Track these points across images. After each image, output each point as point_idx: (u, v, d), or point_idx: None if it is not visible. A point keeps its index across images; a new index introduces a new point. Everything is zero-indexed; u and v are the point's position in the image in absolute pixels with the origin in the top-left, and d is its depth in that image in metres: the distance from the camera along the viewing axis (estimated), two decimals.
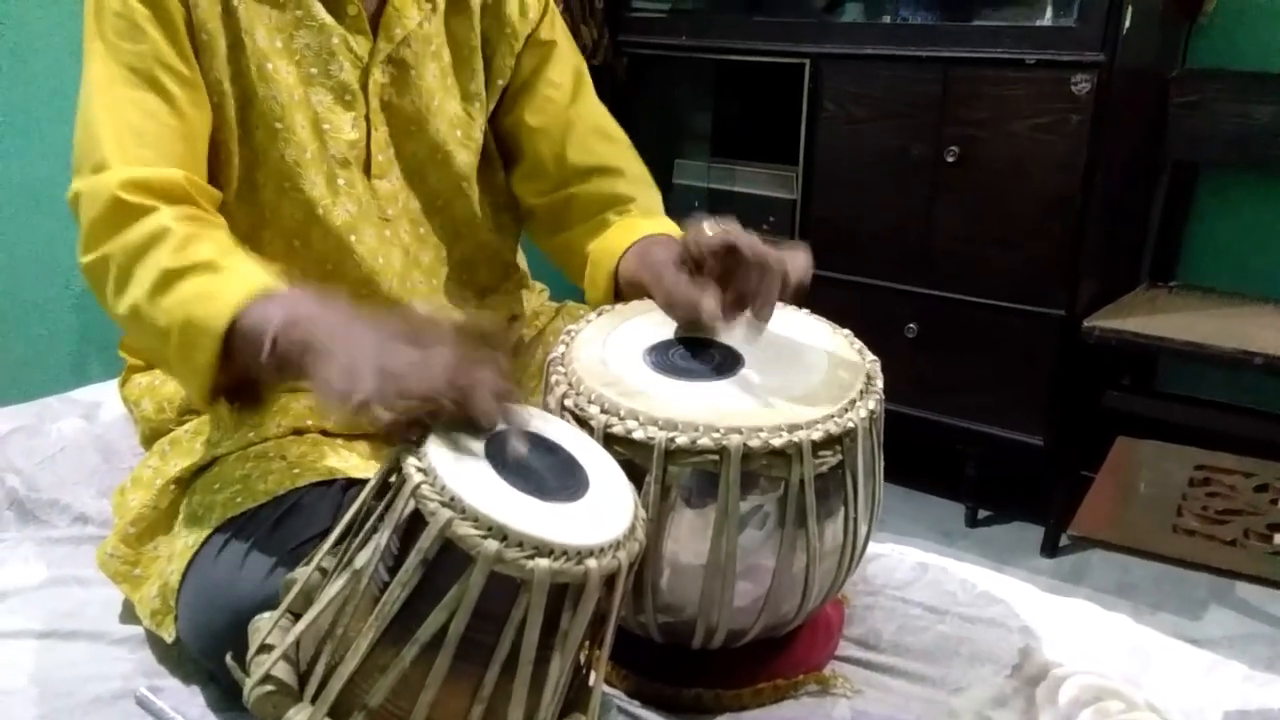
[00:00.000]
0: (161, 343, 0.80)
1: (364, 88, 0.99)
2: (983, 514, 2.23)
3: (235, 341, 0.76)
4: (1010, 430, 2.06)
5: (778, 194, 2.29)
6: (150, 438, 1.04)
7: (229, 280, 0.79)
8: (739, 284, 0.84)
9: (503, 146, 1.12)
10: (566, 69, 1.11)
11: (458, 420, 0.69)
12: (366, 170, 1.00)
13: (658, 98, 2.48)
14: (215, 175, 0.95)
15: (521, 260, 1.21)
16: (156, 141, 0.87)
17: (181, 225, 0.83)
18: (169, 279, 0.80)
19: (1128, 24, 1.83)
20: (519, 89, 1.10)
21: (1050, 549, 2.09)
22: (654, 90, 2.45)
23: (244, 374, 0.80)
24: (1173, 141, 2.15)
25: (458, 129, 1.06)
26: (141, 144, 0.87)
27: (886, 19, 2.19)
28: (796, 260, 0.83)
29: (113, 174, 0.84)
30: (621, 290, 1.01)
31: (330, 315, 0.75)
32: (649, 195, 1.10)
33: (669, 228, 1.04)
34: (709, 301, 0.82)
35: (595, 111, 1.13)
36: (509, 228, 1.15)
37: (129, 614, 0.97)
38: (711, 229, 0.85)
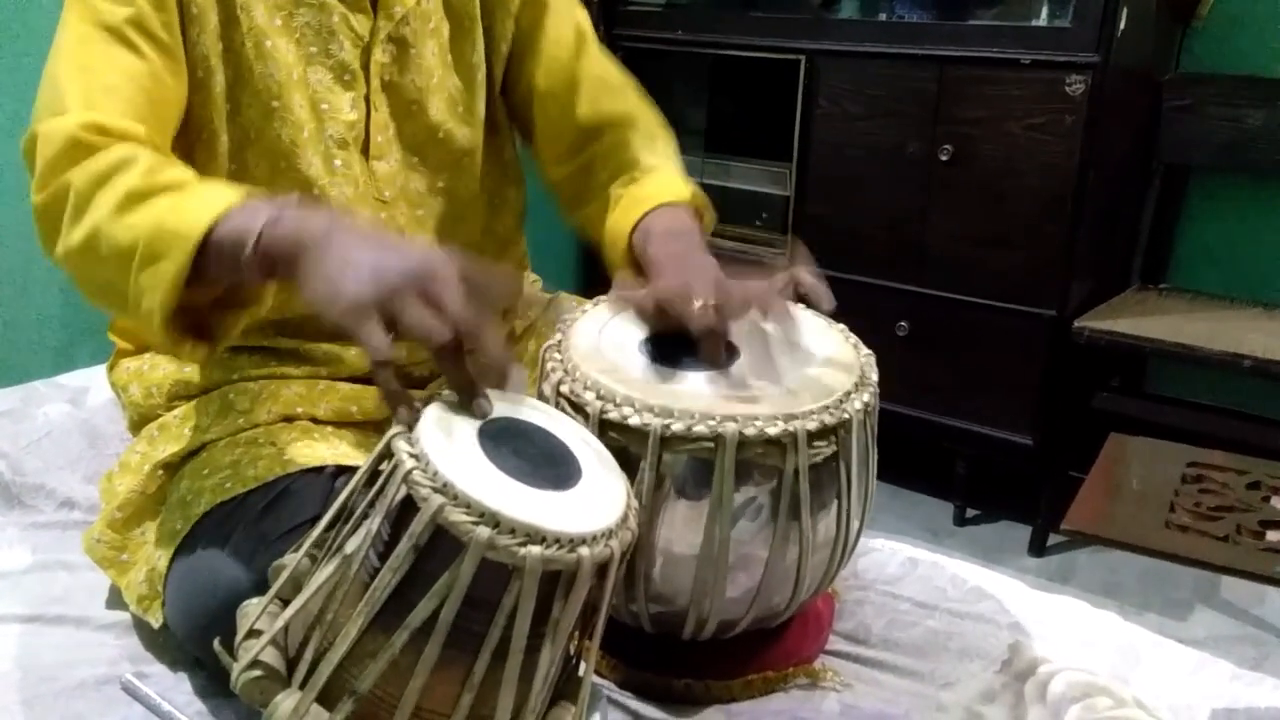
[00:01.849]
0: (122, 263, 0.75)
1: (365, 67, 0.98)
2: (971, 513, 2.23)
3: (210, 249, 0.72)
4: (1000, 430, 2.06)
5: (771, 190, 2.29)
6: (138, 423, 1.03)
7: (204, 192, 0.76)
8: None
9: (519, 118, 1.11)
10: (566, 24, 1.09)
11: (454, 396, 0.69)
12: (365, 151, 0.99)
13: (652, 92, 2.43)
14: (196, 154, 0.93)
15: (523, 241, 1.19)
16: (124, 98, 0.84)
17: (148, 154, 0.80)
18: (137, 196, 0.76)
19: (1122, 26, 1.83)
20: (522, 51, 1.08)
21: (1038, 549, 2.10)
22: (648, 84, 2.41)
23: (208, 296, 0.77)
24: (1165, 144, 2.15)
25: (458, 104, 1.04)
26: (109, 98, 0.83)
27: (883, 16, 2.19)
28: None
29: (73, 116, 0.81)
30: (642, 268, 0.99)
31: (322, 215, 0.73)
32: (658, 147, 1.08)
33: (672, 189, 1.01)
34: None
35: (600, 63, 1.11)
36: (512, 204, 1.14)
37: (115, 599, 0.97)
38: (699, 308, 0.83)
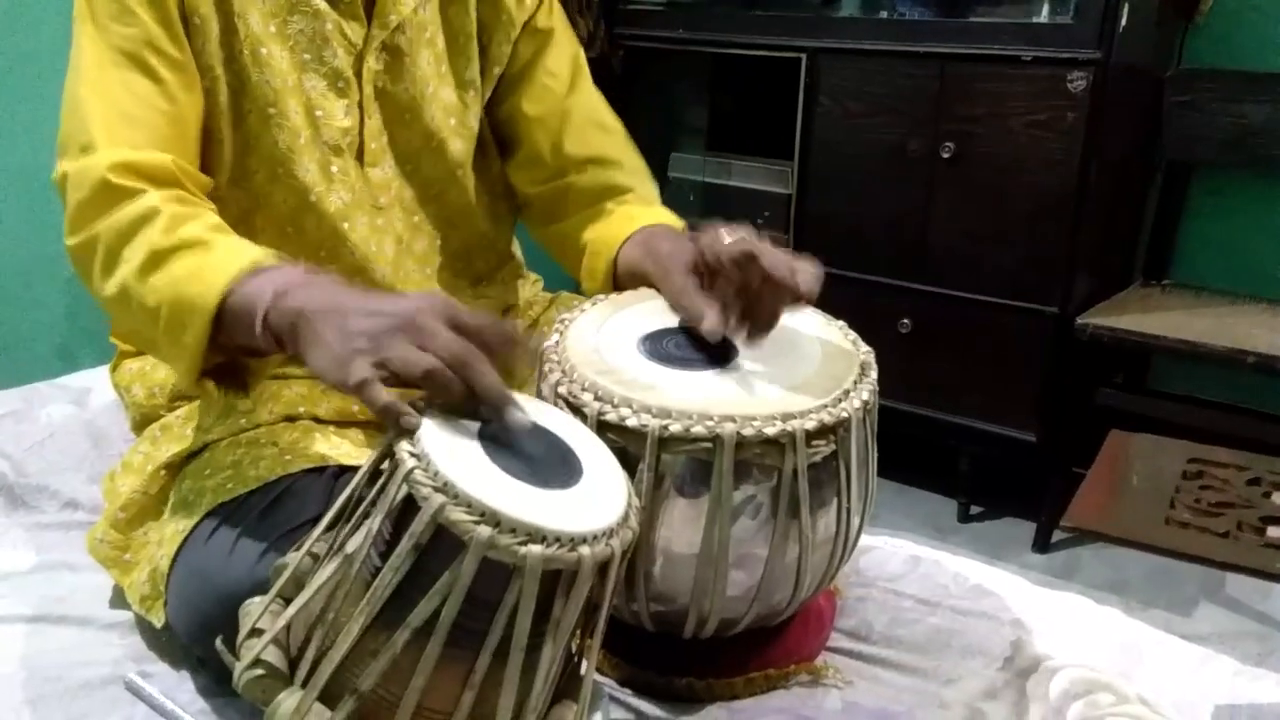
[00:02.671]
0: (150, 322, 0.79)
1: (358, 74, 0.98)
2: (975, 510, 2.23)
3: (225, 319, 0.76)
4: (1003, 426, 2.06)
5: (773, 189, 2.29)
6: (141, 424, 1.03)
7: (218, 257, 0.78)
8: (748, 297, 0.83)
9: (499, 135, 1.11)
10: (564, 58, 1.10)
11: (456, 402, 0.69)
12: (360, 158, 1.00)
13: (654, 91, 2.47)
14: (206, 161, 0.94)
15: (517, 249, 1.20)
16: (146, 125, 0.87)
17: (170, 206, 0.82)
18: (158, 258, 0.79)
19: (1124, 22, 1.83)
20: (516, 77, 1.09)
21: (1042, 545, 2.10)
22: (650, 83, 2.45)
23: (233, 353, 0.80)
24: (1167, 140, 2.15)
25: (452, 117, 1.05)
26: (130, 127, 0.86)
27: (884, 14, 2.19)
28: (807, 274, 0.82)
29: (101, 156, 0.83)
30: (620, 280, 1.00)
31: (320, 290, 0.74)
32: (646, 186, 1.09)
33: (667, 218, 1.03)
34: (713, 317, 0.82)
35: (592, 101, 1.12)
36: (505, 217, 1.15)
37: (119, 599, 0.97)
38: (730, 235, 0.85)
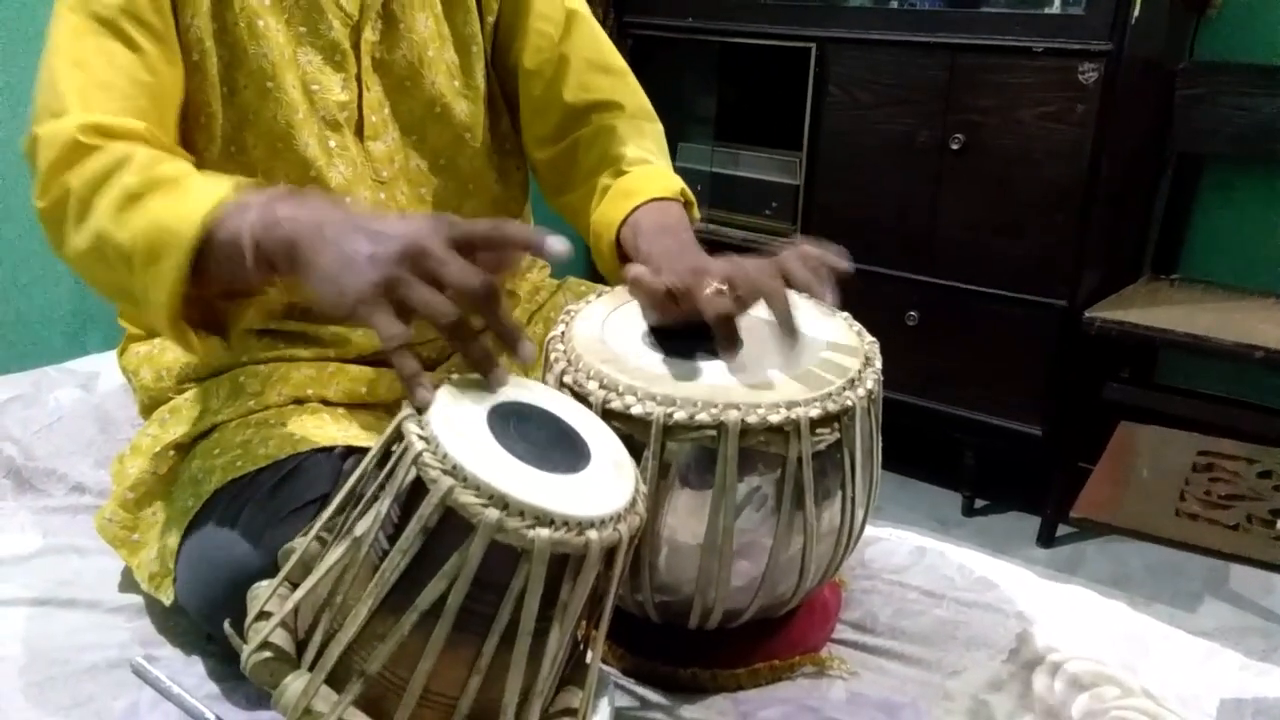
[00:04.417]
0: (124, 262, 0.76)
1: (355, 46, 0.97)
2: (979, 503, 2.23)
3: (208, 248, 0.73)
4: (1009, 420, 2.06)
5: (781, 179, 2.28)
6: (149, 407, 1.03)
7: (197, 187, 0.77)
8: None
9: (505, 93, 1.09)
10: (554, 1, 1.07)
11: (471, 369, 0.69)
12: (359, 133, 0.98)
13: (662, 80, 2.45)
14: (195, 135, 0.93)
15: (528, 213, 1.18)
16: (123, 94, 0.84)
17: (144, 151, 0.80)
18: (134, 196, 0.77)
19: (1136, 13, 1.82)
20: (509, 25, 1.06)
21: (1046, 539, 2.09)
22: (658, 72, 2.43)
23: (214, 290, 0.78)
24: (1178, 133, 2.14)
25: (455, 79, 1.03)
26: (107, 95, 0.84)
27: (894, 4, 2.19)
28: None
29: (72, 118, 0.81)
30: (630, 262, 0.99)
31: (312, 208, 0.73)
32: (645, 136, 1.06)
33: (659, 183, 0.98)
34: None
35: (591, 43, 1.08)
36: (514, 176, 1.12)
37: (126, 583, 0.97)
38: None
